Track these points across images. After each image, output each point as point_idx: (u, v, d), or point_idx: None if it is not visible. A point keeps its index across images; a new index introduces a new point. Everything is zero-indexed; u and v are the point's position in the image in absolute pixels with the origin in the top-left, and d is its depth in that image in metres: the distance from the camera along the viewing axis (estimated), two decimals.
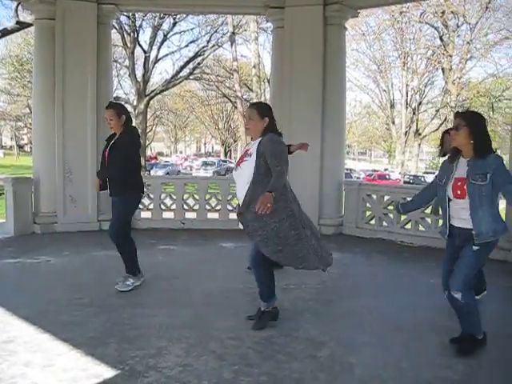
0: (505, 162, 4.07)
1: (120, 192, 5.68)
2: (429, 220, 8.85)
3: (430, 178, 40.47)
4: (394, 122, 40.94)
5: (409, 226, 9.12)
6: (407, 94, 38.31)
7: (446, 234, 4.28)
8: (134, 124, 6.09)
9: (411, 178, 40.11)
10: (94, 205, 9.46)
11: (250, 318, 4.83)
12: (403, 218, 9.19)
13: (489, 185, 3.94)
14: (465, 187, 4.03)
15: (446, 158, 4.36)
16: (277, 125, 4.68)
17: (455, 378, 3.87)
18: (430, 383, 3.80)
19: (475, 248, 4.04)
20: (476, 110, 4.34)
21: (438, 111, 39.15)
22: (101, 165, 5.87)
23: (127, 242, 5.80)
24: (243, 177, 4.52)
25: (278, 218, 4.37)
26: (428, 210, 8.65)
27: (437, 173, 4.51)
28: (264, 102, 5.14)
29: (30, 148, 39.01)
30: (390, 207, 9.40)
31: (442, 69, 34.80)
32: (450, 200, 4.17)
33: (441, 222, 8.74)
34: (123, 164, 5.53)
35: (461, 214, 4.12)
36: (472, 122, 4.05)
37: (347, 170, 35.42)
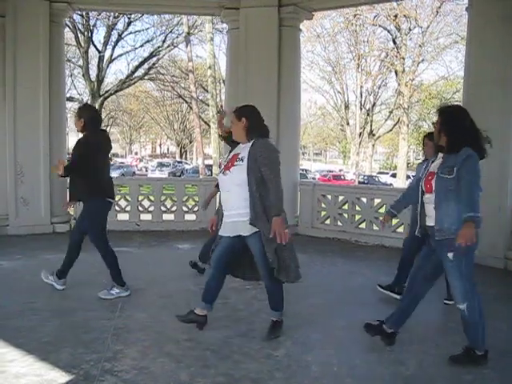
0: None
1: (81, 198, 5.66)
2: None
3: (383, 179, 41.19)
4: (348, 123, 41.50)
5: (363, 225, 9.26)
6: (361, 95, 38.88)
7: (420, 232, 4.22)
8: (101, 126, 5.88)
9: (365, 178, 40.69)
10: (46, 207, 9.26)
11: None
12: (357, 217, 9.34)
13: (455, 179, 3.86)
14: (433, 181, 4.02)
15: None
16: (264, 126, 4.62)
17: (407, 373, 3.97)
18: (383, 379, 3.88)
19: (450, 255, 3.91)
20: (456, 104, 4.25)
21: (391, 112, 39.88)
22: None
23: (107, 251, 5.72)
24: (232, 180, 4.39)
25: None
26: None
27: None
28: (249, 104, 4.99)
29: None
30: (345, 207, 9.53)
31: (395, 71, 35.42)
32: (423, 195, 4.15)
33: (394, 221, 8.99)
34: (74, 166, 5.44)
35: (429, 210, 4.09)
36: (444, 118, 4.04)
37: (302, 170, 35.67)
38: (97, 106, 29.27)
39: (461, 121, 4.01)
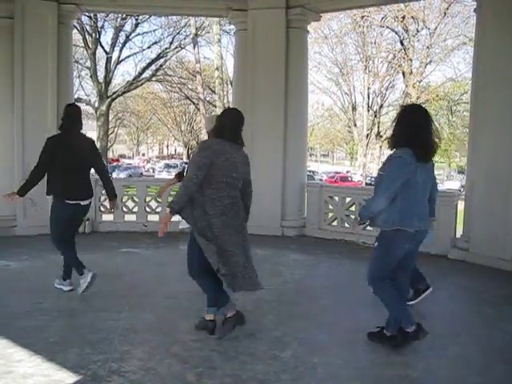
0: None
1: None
2: None
3: None
4: (355, 125, 41.37)
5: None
6: (369, 96, 38.75)
7: None
8: (79, 127, 5.91)
9: (373, 179, 40.55)
10: None
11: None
12: None
13: None
14: None
15: None
16: (231, 132, 4.41)
17: (415, 375, 3.95)
18: (391, 381, 3.86)
19: (376, 244, 4.27)
20: (416, 103, 4.46)
21: None
22: None
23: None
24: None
25: (193, 224, 4.62)
26: None
27: None
28: (234, 108, 5.03)
29: None
30: (352, 208, 9.51)
31: (403, 72, 35.34)
32: None
33: None
34: (38, 164, 5.67)
35: None
36: (396, 115, 4.24)
37: (309, 171, 35.61)
38: (104, 108, 29.39)
39: (407, 120, 4.10)
